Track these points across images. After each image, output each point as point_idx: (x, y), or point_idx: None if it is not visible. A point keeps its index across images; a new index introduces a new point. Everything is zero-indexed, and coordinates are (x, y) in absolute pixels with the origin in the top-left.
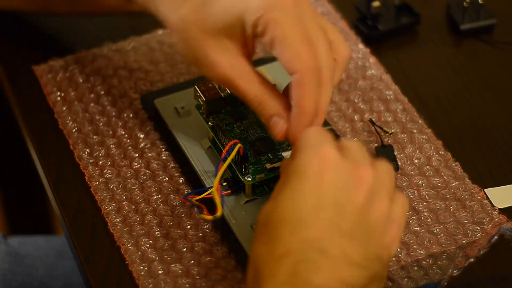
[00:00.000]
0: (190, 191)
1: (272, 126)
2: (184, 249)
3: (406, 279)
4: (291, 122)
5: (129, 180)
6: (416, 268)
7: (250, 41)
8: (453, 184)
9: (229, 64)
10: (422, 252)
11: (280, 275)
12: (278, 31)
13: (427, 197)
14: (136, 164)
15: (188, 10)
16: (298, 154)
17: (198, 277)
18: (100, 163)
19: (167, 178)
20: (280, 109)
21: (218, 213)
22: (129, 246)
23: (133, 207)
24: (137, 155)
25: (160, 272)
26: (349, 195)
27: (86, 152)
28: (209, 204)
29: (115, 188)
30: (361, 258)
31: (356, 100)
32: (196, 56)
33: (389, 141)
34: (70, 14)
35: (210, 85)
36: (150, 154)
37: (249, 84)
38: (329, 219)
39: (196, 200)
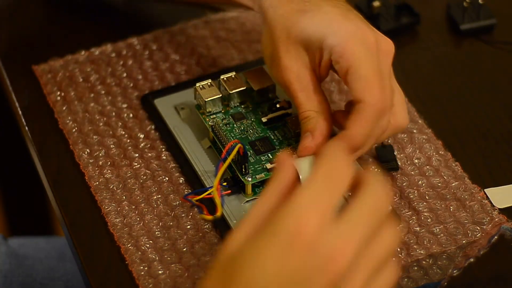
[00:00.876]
0: (190, 191)
1: (302, 138)
2: (184, 249)
3: (406, 279)
4: (334, 140)
5: (129, 180)
6: (416, 268)
7: (324, 64)
8: (453, 184)
9: (296, 73)
10: (422, 252)
11: None
12: (354, 62)
13: (427, 197)
14: (136, 164)
15: (285, 12)
16: (284, 207)
17: (198, 277)
18: (100, 163)
19: (167, 178)
20: (319, 129)
21: (218, 213)
22: (129, 246)
23: (133, 207)
24: (137, 155)
25: (160, 272)
26: (313, 275)
27: (86, 152)
28: (209, 204)
29: (115, 188)
30: None
31: None
32: (272, 55)
33: (389, 141)
34: (167, 2)
35: (209, 84)
36: (150, 154)
37: (305, 99)
38: None
39: (196, 200)
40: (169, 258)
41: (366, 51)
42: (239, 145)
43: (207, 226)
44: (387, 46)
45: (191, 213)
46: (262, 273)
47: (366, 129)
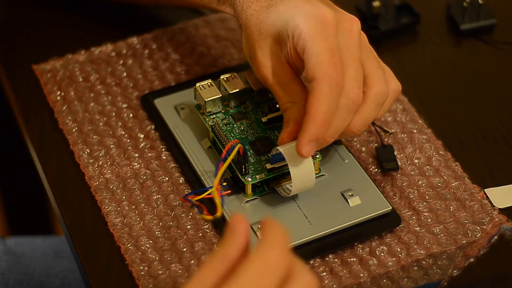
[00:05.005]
0: (190, 191)
1: (283, 128)
2: (184, 249)
3: (406, 279)
4: (301, 130)
5: (129, 180)
6: (416, 268)
7: (294, 52)
8: (453, 184)
9: (271, 68)
10: (422, 252)
11: None
12: (308, 41)
13: (427, 197)
14: (136, 164)
15: (254, 11)
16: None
17: None
18: (100, 163)
19: (167, 178)
20: (293, 120)
21: (218, 213)
22: (129, 246)
23: (133, 207)
24: (137, 155)
25: (160, 272)
26: None
27: (86, 152)
28: (209, 204)
29: (115, 188)
30: None
31: None
32: (249, 54)
33: (389, 141)
34: (151, 4)
35: (209, 84)
36: (150, 154)
37: (283, 92)
38: None
39: (196, 200)
40: (169, 258)
41: (320, 28)
42: (239, 145)
43: (207, 226)
44: (349, 22)
45: (191, 213)
46: None
47: (325, 105)
